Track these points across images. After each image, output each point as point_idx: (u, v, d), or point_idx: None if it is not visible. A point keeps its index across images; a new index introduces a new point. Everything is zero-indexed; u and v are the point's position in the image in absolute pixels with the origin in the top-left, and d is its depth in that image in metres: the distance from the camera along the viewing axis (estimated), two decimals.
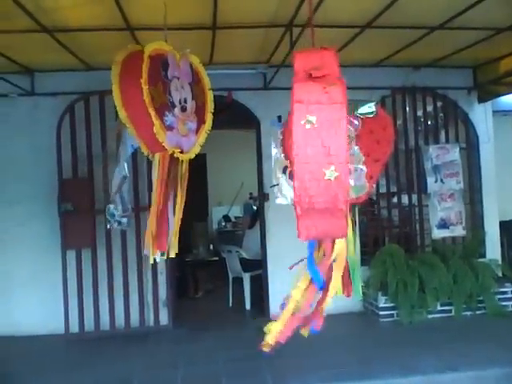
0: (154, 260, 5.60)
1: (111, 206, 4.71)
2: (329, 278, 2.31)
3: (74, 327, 5.45)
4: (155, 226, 3.16)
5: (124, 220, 4.88)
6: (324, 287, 2.31)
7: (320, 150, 1.84)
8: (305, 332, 2.38)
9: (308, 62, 2.11)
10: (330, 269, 2.26)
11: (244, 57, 5.47)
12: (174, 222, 3.33)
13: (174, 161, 3.19)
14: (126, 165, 4.52)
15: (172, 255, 3.35)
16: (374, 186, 6.03)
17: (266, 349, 2.34)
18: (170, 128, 3.05)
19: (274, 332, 2.30)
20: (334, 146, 1.83)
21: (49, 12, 3.92)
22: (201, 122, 3.41)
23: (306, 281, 2.32)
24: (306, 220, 1.97)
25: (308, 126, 1.87)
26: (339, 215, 1.91)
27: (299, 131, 1.88)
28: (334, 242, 2.20)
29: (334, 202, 1.87)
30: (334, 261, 2.27)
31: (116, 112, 5.42)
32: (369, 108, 2.80)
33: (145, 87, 2.85)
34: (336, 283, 2.33)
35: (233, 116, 6.30)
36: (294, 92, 1.93)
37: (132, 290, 5.62)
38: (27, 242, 5.57)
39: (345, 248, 2.28)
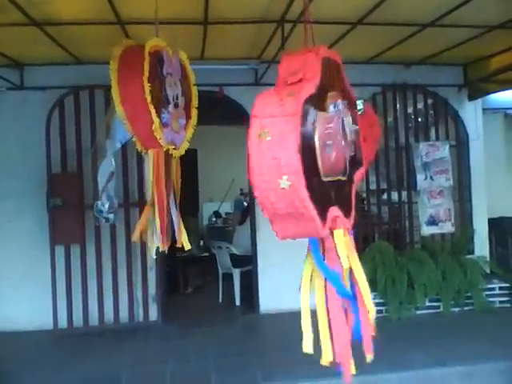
0: (145, 255, 5.60)
1: (99, 203, 4.68)
2: (356, 284, 2.22)
3: (63, 323, 5.42)
4: (159, 222, 3.17)
5: (111, 216, 4.84)
6: (350, 293, 2.21)
7: (272, 162, 1.88)
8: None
9: (289, 66, 2.13)
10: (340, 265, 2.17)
11: (235, 52, 5.45)
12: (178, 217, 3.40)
13: (167, 157, 3.21)
14: (113, 160, 4.49)
15: (188, 248, 3.40)
16: (363, 183, 6.11)
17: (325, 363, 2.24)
18: (165, 125, 3.08)
19: (328, 355, 2.19)
20: (285, 157, 1.87)
21: (38, 5, 3.88)
22: (188, 117, 3.43)
23: (321, 284, 2.22)
24: (278, 223, 1.99)
25: (262, 139, 1.94)
26: (303, 218, 1.93)
27: (254, 144, 1.95)
28: (332, 234, 2.15)
29: (294, 208, 1.90)
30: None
31: (106, 106, 5.41)
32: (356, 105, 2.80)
33: (146, 85, 2.85)
34: (362, 282, 2.21)
35: (224, 112, 6.28)
36: (254, 106, 1.96)
37: (121, 286, 5.60)
38: (15, 237, 5.52)
39: (349, 239, 2.20)
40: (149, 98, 2.87)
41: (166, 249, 3.29)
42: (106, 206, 4.65)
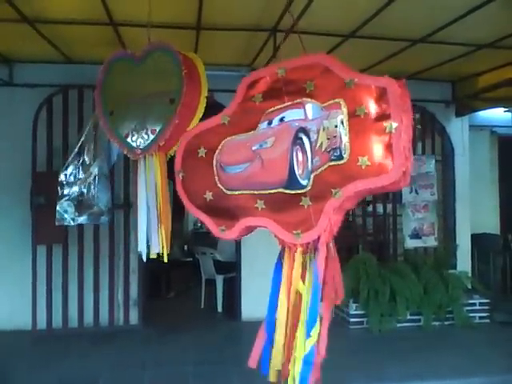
0: (128, 258, 5.53)
1: (65, 203, 4.52)
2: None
3: (42, 324, 5.34)
4: (168, 226, 3.36)
5: (82, 218, 4.60)
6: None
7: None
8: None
9: None
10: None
11: (227, 59, 5.46)
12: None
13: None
14: (105, 160, 4.39)
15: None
16: None
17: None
18: None
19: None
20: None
21: (30, 2, 3.85)
22: None
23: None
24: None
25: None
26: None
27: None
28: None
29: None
30: None
31: (93, 106, 5.33)
32: None
33: (202, 102, 3.30)
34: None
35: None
36: None
37: (102, 288, 5.54)
38: None
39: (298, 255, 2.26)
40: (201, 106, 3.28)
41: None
42: (73, 206, 4.48)
